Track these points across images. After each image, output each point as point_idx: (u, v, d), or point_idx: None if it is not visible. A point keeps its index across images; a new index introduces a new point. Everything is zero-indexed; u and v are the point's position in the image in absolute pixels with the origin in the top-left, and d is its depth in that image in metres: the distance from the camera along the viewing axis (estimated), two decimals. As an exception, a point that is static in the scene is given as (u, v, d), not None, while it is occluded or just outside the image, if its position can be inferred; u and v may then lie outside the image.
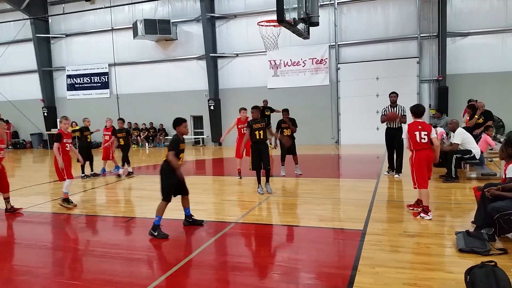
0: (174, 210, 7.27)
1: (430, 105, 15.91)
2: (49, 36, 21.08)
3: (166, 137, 19.43)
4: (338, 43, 16.62)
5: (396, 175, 9.34)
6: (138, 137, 19.70)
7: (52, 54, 21.41)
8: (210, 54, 17.97)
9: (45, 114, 21.14)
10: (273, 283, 4.28)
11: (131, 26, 18.48)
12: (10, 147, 21.22)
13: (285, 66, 17.29)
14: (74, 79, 21.04)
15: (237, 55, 18.15)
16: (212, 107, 18.08)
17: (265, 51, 16.19)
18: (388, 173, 9.63)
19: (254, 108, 8.18)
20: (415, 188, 6.16)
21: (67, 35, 20.89)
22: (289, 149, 9.80)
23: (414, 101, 15.45)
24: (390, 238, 5.24)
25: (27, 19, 19.84)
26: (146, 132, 19.61)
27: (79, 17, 20.26)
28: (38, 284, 4.54)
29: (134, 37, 18.33)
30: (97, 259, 5.10)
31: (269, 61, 17.42)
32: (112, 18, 19.66)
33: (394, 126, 9.26)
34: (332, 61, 16.78)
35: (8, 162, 16.47)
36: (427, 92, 15.95)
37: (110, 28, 19.76)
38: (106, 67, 20.33)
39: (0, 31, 21.24)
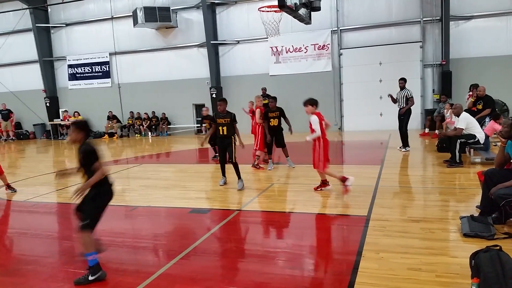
0: (178, 198, 7.31)
1: (433, 90, 15.79)
2: (49, 26, 20.94)
3: (168, 126, 19.41)
4: (340, 28, 16.44)
5: (403, 149, 10.76)
6: (141, 127, 19.69)
7: (53, 44, 21.29)
8: (211, 42, 17.82)
9: (48, 104, 21.12)
10: (277, 269, 4.30)
11: (131, 14, 18.31)
12: (13, 138, 21.27)
13: (287, 53, 17.14)
14: (75, 68, 20.96)
15: (238, 42, 18.00)
16: (214, 95, 18.01)
17: (267, 38, 16.05)
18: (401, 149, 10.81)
19: (221, 100, 7.70)
20: (323, 170, 6.73)
21: (67, 25, 20.74)
22: (277, 141, 9.39)
23: (418, 85, 15.35)
24: (394, 223, 5.25)
25: (26, 8, 19.70)
26: (149, 122, 19.59)
27: (79, 6, 20.09)
28: (44, 273, 4.58)
29: (134, 25, 18.18)
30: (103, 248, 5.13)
31: (271, 47, 17.28)
32: (111, 6, 19.48)
33: (401, 107, 10.54)
34: (334, 47, 16.62)
35: (12, 153, 16.54)
36: (430, 77, 15.81)
37: (110, 17, 19.60)
38: (107, 56, 20.22)
39: (0, 22, 21.08)
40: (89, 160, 4.12)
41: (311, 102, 7.09)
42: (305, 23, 10.64)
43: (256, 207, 6.49)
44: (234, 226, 5.73)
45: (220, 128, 7.54)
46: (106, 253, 4.95)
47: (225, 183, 7.96)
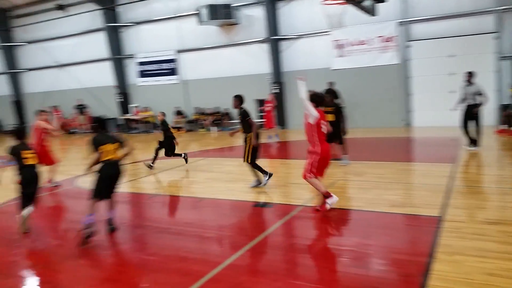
0: (242, 191, 7.42)
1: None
2: (119, 25, 22.07)
3: (230, 121, 19.75)
4: (408, 19, 15.72)
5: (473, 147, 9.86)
6: (205, 121, 20.25)
7: (122, 43, 22.43)
8: (272, 37, 17.83)
9: (119, 100, 22.28)
10: (342, 267, 4.25)
11: (195, 12, 18.79)
12: (87, 131, 22.74)
13: (350, 46, 16.73)
14: (144, 66, 21.94)
15: (300, 36, 17.84)
16: (275, 90, 18.05)
17: (329, 31, 15.76)
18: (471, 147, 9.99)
19: (233, 96, 7.54)
20: (309, 176, 5.66)
21: (135, 24, 21.74)
22: (334, 135, 8.73)
23: (491, 79, 14.30)
24: (469, 225, 4.95)
25: (98, 9, 20.89)
26: (212, 117, 20.08)
27: (145, 5, 20.96)
28: (120, 259, 4.88)
29: (198, 23, 18.64)
30: (172, 237, 5.36)
31: (334, 41, 16.92)
32: (177, 5, 20.11)
33: (469, 103, 9.91)
34: (401, 39, 15.94)
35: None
36: (508, 70, 14.64)
37: (176, 15, 20.25)
38: (173, 54, 20.96)
39: (75, 22, 22.46)
40: None
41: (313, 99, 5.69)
42: (370, 15, 10.31)
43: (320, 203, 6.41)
44: (298, 222, 5.72)
45: (240, 126, 7.47)
46: (175, 241, 5.17)
47: (259, 182, 7.49)
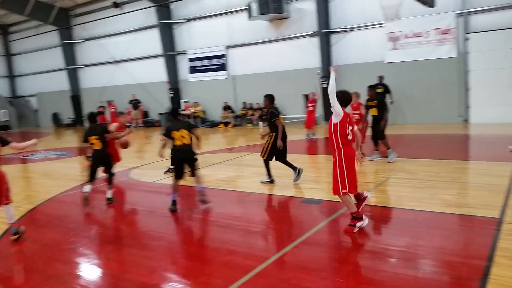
0: (289, 187, 7.40)
1: None
2: (172, 22, 22.63)
3: (278, 116, 19.68)
4: (466, 10, 14.88)
5: None
6: (252, 116, 20.37)
7: (175, 39, 22.99)
8: (323, 30, 17.54)
9: (171, 95, 22.90)
10: (390, 267, 4.12)
11: (246, 7, 18.87)
12: (141, 125, 23.59)
13: (405, 38, 16.08)
14: (194, 62, 22.38)
15: (352, 29, 17.42)
16: (325, 85, 17.76)
17: (383, 23, 15.27)
18: None
19: (264, 96, 7.72)
20: (344, 193, 4.91)
21: (187, 20, 22.19)
22: (376, 131, 8.98)
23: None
24: (533, 229, 4.63)
25: (152, 6, 21.53)
26: (260, 112, 20.13)
27: (198, 2, 21.34)
28: (170, 249, 5.03)
29: (248, 18, 18.71)
30: (221, 230, 5.45)
31: (388, 33, 16.35)
32: (227, 1, 20.29)
33: None
34: (459, 31, 15.13)
35: (141, 139, 18.39)
36: None
37: (226, 11, 20.46)
38: (223, 50, 21.21)
39: (130, 20, 23.28)
40: None
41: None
42: (428, 6, 9.85)
43: (370, 201, 6.22)
44: (345, 220, 5.58)
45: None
46: (225, 234, 5.25)
47: (297, 177, 7.64)
